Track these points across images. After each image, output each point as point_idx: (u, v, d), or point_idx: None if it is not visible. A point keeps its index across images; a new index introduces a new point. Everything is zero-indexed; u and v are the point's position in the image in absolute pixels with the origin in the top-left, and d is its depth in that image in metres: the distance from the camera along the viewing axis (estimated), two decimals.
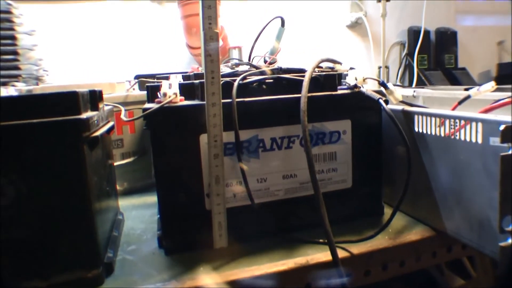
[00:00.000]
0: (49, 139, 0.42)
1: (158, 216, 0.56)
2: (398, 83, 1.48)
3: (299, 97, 0.51)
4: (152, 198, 0.75)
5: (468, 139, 0.47)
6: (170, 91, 0.51)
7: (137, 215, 0.69)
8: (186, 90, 0.55)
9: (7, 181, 0.41)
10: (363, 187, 0.60)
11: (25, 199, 0.42)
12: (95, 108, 0.50)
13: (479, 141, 0.45)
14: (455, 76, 1.46)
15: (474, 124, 0.46)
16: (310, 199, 0.52)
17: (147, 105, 0.52)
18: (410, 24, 1.51)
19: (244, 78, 0.54)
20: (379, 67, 1.45)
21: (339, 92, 0.56)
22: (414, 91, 0.98)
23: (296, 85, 0.54)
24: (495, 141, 0.43)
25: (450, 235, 0.53)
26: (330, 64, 0.65)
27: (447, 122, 0.51)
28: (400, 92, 1.02)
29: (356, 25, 1.46)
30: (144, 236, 0.60)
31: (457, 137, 0.49)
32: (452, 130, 0.50)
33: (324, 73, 0.58)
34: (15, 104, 0.42)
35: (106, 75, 1.26)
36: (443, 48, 1.54)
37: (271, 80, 0.55)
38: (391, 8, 1.42)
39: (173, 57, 1.32)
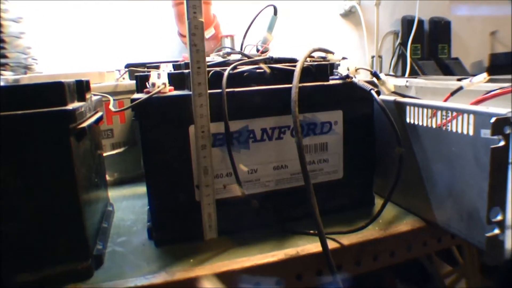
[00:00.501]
0: (35, 130, 0.41)
1: (148, 207, 0.56)
2: (391, 72, 1.48)
3: (290, 88, 0.51)
4: (143, 189, 0.73)
5: (459, 131, 0.47)
6: (159, 81, 0.50)
7: (128, 205, 0.68)
8: (176, 79, 0.54)
9: None
10: (355, 178, 0.60)
11: (11, 192, 0.41)
12: (82, 98, 0.49)
13: (471, 133, 0.45)
14: (448, 66, 1.45)
15: (466, 116, 0.46)
16: (301, 190, 0.51)
17: (135, 96, 0.51)
18: (404, 13, 1.49)
19: (235, 68, 0.53)
20: (372, 57, 1.44)
21: (331, 82, 0.56)
22: (407, 81, 0.97)
23: (287, 75, 0.53)
24: (486, 133, 0.43)
25: (441, 226, 0.53)
26: (322, 54, 0.64)
27: (439, 113, 0.50)
28: (392, 82, 1.02)
29: (349, 14, 1.44)
30: (134, 227, 0.59)
31: (449, 129, 0.49)
32: (444, 121, 0.50)
33: (316, 63, 0.57)
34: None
35: (96, 64, 1.25)
36: (436, 38, 1.53)
37: (262, 70, 0.54)
38: None
39: (165, 46, 1.30)
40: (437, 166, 0.52)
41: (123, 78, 0.78)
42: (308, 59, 0.61)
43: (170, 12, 1.20)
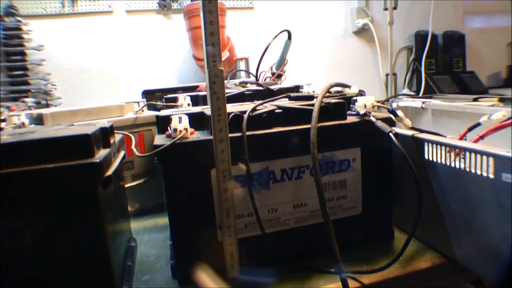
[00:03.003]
0: (64, 182, 0.43)
1: (171, 242, 0.57)
2: (406, 89, 1.47)
3: (309, 128, 0.51)
4: (164, 220, 0.76)
5: (479, 172, 0.47)
6: (181, 126, 0.51)
7: (150, 239, 0.70)
8: (196, 119, 0.56)
9: (25, 224, 0.42)
10: (373, 212, 0.60)
11: (42, 240, 0.43)
12: (107, 144, 0.51)
13: (491, 175, 0.45)
14: (464, 80, 1.44)
15: (485, 157, 0.46)
16: (320, 226, 0.52)
17: (157, 140, 0.52)
18: (417, 29, 1.49)
19: (254, 110, 0.54)
20: (387, 75, 1.44)
21: (349, 121, 0.56)
22: (423, 103, 0.97)
23: (305, 114, 0.54)
24: (508, 177, 0.43)
25: (461, 263, 0.53)
26: (339, 88, 0.65)
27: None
28: (408, 104, 1.01)
29: (362, 31, 1.45)
30: (158, 264, 0.60)
31: (467, 169, 0.49)
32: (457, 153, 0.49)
33: (333, 101, 0.58)
34: (30, 148, 0.43)
35: (114, 87, 1.28)
36: (451, 52, 1.52)
37: (281, 111, 0.55)
38: (398, 14, 1.41)
39: (181, 69, 1.33)
40: (456, 204, 0.52)
41: (142, 111, 0.80)
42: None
43: (185, 36, 1.22)
